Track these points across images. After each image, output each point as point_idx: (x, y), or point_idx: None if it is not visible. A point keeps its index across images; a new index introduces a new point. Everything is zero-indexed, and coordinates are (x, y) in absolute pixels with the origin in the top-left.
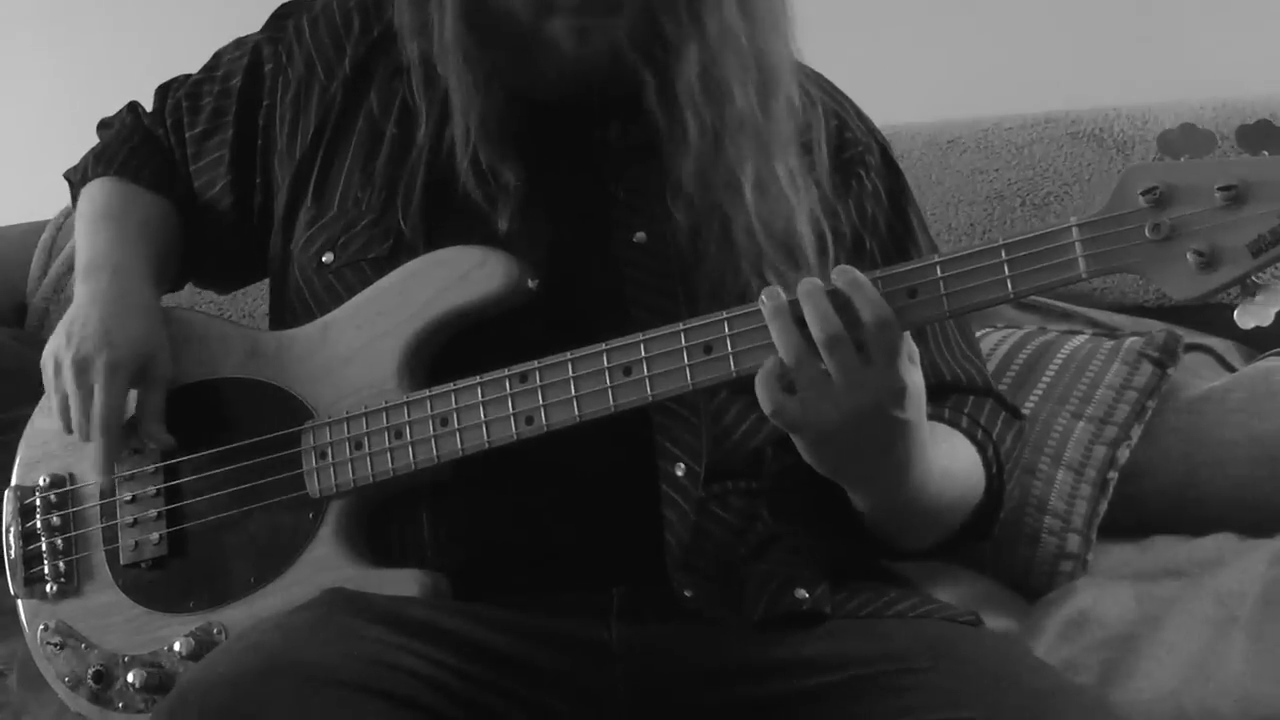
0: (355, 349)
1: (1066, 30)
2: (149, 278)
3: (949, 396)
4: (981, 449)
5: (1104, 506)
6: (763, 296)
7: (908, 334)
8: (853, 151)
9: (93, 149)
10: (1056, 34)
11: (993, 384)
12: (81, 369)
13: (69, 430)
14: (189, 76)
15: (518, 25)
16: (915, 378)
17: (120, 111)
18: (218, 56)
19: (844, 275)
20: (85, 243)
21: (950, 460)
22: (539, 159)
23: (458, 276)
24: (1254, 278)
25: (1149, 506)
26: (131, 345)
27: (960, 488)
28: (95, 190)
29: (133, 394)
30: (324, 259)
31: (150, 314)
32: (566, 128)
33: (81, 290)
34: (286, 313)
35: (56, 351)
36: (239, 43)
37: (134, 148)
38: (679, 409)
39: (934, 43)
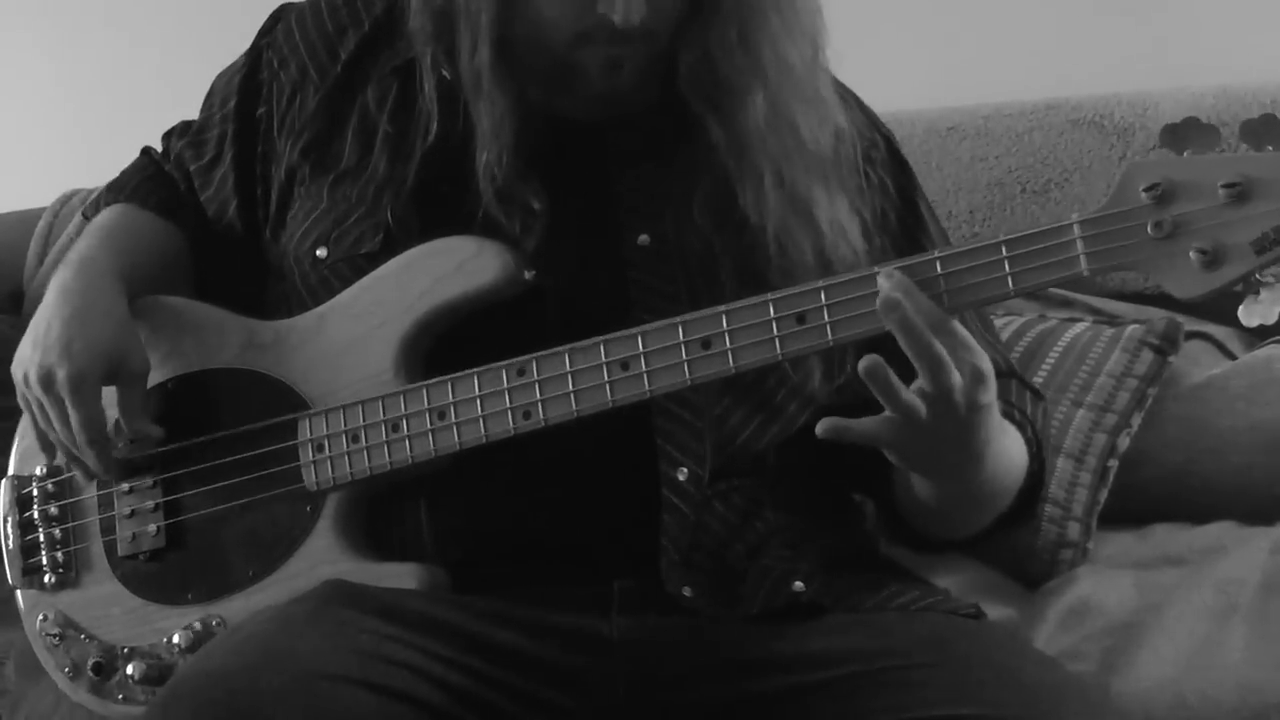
0: (352, 340)
1: (1066, 16)
2: (115, 274)
3: None
4: (1021, 429)
5: (1104, 494)
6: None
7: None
8: (860, 149)
9: (107, 183)
10: (1056, 20)
11: (1015, 368)
12: (46, 384)
13: (44, 446)
14: (190, 123)
15: (549, 53)
16: (985, 359)
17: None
18: (212, 89)
19: (894, 281)
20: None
21: (1006, 439)
22: (549, 169)
23: (454, 266)
24: (1258, 275)
25: (1149, 494)
26: (92, 351)
27: (1016, 470)
28: (102, 214)
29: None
30: (318, 253)
31: (113, 313)
32: (576, 140)
33: (49, 289)
34: (283, 306)
35: (23, 362)
36: (231, 67)
37: (146, 178)
38: (681, 411)
39: (934, 29)
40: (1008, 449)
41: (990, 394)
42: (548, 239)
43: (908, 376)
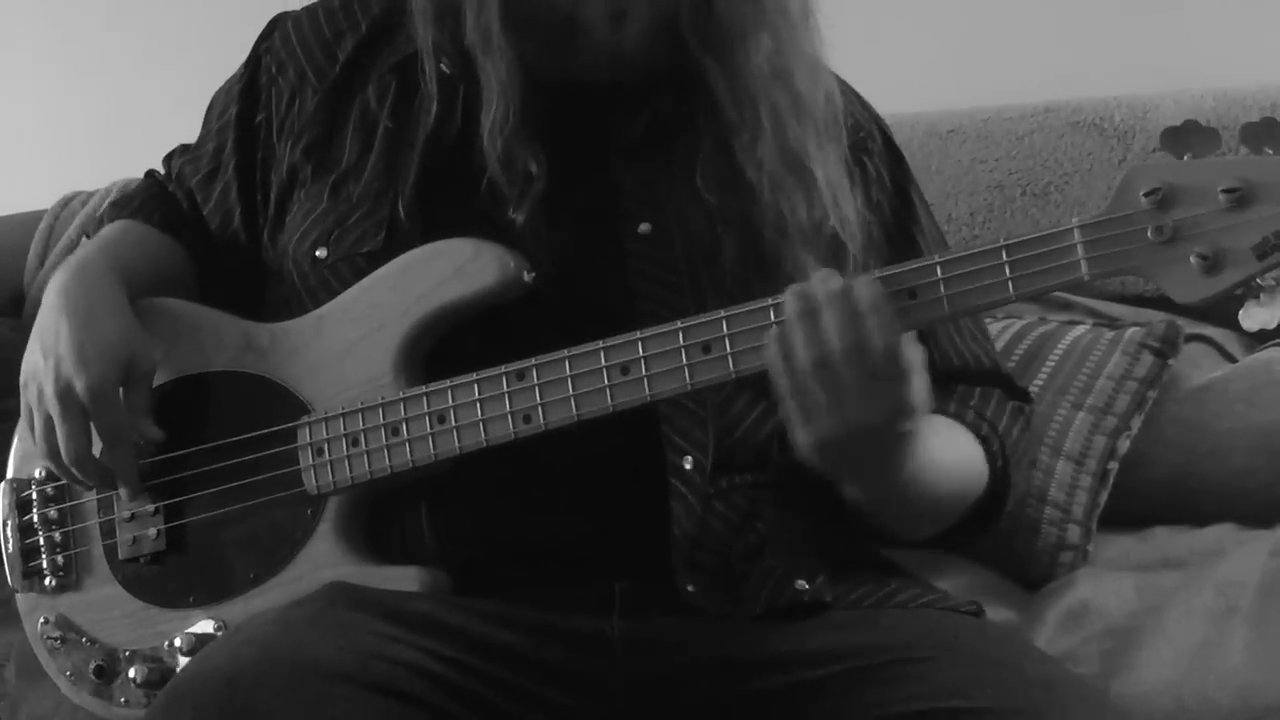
0: (350, 343)
1: (1067, 19)
2: (115, 275)
3: (956, 386)
4: (986, 443)
5: (1104, 497)
6: (788, 297)
7: (910, 338)
8: (856, 137)
9: (111, 202)
10: (1057, 23)
11: (1001, 365)
12: (66, 399)
13: (55, 458)
14: (189, 145)
15: (554, 10)
16: (921, 390)
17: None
18: (212, 104)
19: (868, 290)
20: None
21: (949, 453)
22: (551, 146)
23: (453, 270)
24: (1258, 280)
25: (1149, 497)
26: (107, 357)
27: (958, 481)
28: (105, 228)
29: None
30: (318, 254)
31: (118, 312)
32: (576, 117)
33: (48, 292)
34: (282, 308)
35: (37, 375)
36: (230, 80)
37: (150, 197)
38: (686, 401)
39: (934, 31)
40: (943, 460)
41: (913, 424)
42: (547, 218)
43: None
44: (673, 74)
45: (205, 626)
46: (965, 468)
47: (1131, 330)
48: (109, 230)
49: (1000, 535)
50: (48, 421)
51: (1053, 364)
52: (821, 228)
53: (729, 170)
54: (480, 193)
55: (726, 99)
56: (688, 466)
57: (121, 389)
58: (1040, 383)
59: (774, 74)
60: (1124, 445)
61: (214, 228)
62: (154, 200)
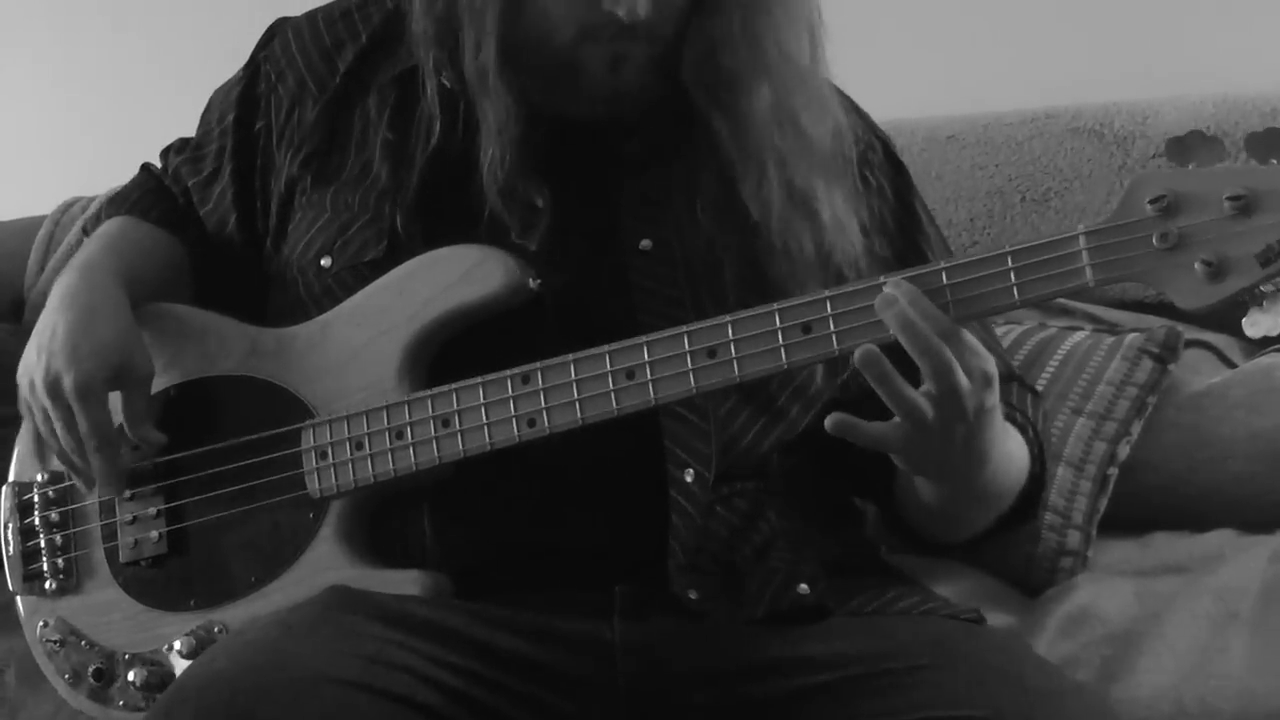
0: (355, 348)
1: (1067, 25)
2: (118, 278)
3: None
4: (1023, 430)
5: (1104, 503)
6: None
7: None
8: (856, 151)
9: (108, 197)
10: (1057, 29)
11: (1014, 368)
12: (54, 392)
13: (40, 454)
14: (188, 140)
15: (552, 51)
16: (991, 363)
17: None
18: (210, 104)
19: (903, 290)
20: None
21: (1010, 444)
22: (551, 173)
23: (458, 275)
24: (1262, 287)
25: (1149, 503)
26: (99, 355)
27: (1016, 472)
28: (104, 225)
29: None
30: (323, 263)
31: (118, 315)
32: (578, 141)
33: (52, 293)
34: (287, 314)
35: (30, 369)
36: (228, 82)
37: (147, 191)
38: (688, 414)
39: (934, 38)
40: (1010, 451)
41: (995, 397)
42: (550, 240)
43: (914, 383)
44: (671, 106)
45: (206, 630)
46: (1020, 457)
47: (1131, 336)
48: (109, 227)
49: (1000, 541)
50: (42, 413)
51: (1052, 369)
52: (829, 260)
53: (730, 206)
54: (483, 214)
55: (730, 145)
56: (688, 479)
57: (120, 393)
58: (1040, 388)
59: (779, 119)
60: (1124, 451)
61: (210, 228)
62: (151, 195)
